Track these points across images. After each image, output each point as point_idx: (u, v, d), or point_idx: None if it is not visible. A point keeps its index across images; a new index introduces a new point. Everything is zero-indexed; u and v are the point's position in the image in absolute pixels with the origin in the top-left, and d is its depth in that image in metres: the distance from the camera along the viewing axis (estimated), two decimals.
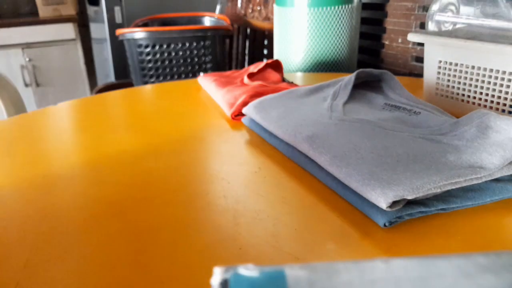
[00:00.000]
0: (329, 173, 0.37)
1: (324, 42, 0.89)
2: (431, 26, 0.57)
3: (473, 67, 0.52)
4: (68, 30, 2.38)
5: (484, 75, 0.51)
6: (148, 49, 1.35)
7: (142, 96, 0.70)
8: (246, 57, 1.71)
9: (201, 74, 1.38)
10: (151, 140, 0.50)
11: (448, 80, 0.55)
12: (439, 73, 0.56)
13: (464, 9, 0.52)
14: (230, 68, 1.78)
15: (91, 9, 2.29)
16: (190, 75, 1.41)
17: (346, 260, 0.28)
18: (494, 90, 0.50)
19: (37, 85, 2.41)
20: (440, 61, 0.56)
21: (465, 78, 0.53)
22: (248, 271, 0.11)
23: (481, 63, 0.51)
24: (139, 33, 1.33)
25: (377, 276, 0.11)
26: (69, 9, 2.43)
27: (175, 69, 1.39)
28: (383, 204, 0.30)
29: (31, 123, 0.57)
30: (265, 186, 0.38)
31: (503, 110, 0.50)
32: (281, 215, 0.33)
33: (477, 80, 0.52)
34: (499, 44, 0.47)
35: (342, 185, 0.35)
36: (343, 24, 0.89)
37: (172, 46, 1.35)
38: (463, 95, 0.54)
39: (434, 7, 0.55)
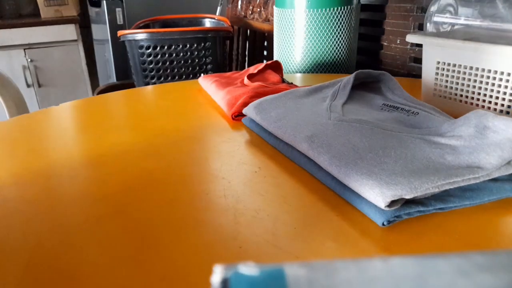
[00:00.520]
0: (328, 172, 0.37)
1: (323, 43, 0.90)
2: (429, 27, 0.57)
3: (471, 68, 0.52)
4: (69, 31, 2.39)
5: (482, 76, 0.51)
6: (150, 50, 1.35)
7: (143, 97, 0.70)
8: (246, 58, 1.71)
9: (202, 75, 1.39)
10: (152, 140, 0.50)
11: (446, 81, 0.56)
12: (437, 74, 0.57)
13: (462, 10, 0.52)
14: (230, 69, 1.78)
15: (92, 10, 2.29)
16: (191, 76, 1.41)
17: (345, 258, 0.28)
18: (492, 90, 0.51)
19: (39, 85, 2.41)
20: (438, 62, 0.56)
21: (463, 78, 0.53)
22: (248, 269, 0.11)
23: (479, 64, 0.51)
24: (140, 35, 1.33)
25: (376, 274, 0.11)
26: (71, 10, 2.44)
27: (176, 70, 1.39)
28: (381, 203, 0.31)
29: (33, 124, 0.57)
30: (265, 185, 0.38)
31: (501, 111, 0.50)
32: (281, 214, 0.33)
33: (475, 81, 0.52)
34: (497, 45, 0.48)
35: (341, 184, 0.36)
36: (342, 26, 0.89)
37: (173, 47, 1.35)
38: (461, 95, 0.54)
39: (433, 9, 0.55)
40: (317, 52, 0.91)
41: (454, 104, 0.56)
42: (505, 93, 0.49)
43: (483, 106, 0.52)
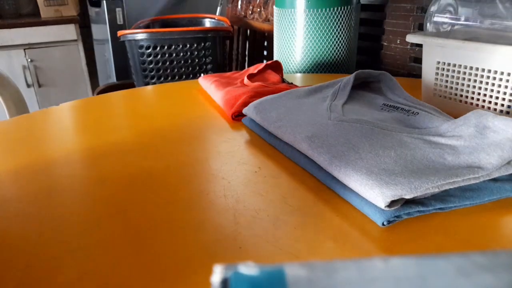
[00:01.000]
0: (328, 172, 0.37)
1: (323, 43, 0.90)
2: (429, 27, 0.57)
3: (471, 68, 0.52)
4: (69, 31, 2.38)
5: (482, 76, 0.51)
6: (149, 50, 1.35)
7: (143, 97, 0.70)
8: (246, 58, 1.71)
9: (202, 75, 1.38)
10: (152, 140, 0.50)
11: (446, 81, 0.56)
12: (437, 74, 0.57)
13: (462, 10, 0.52)
14: (230, 69, 1.78)
15: (92, 10, 2.29)
16: (191, 76, 1.41)
17: (345, 258, 0.28)
18: (492, 90, 0.51)
19: (39, 85, 2.41)
20: (438, 62, 0.56)
21: (463, 78, 0.53)
22: (248, 269, 0.11)
23: (479, 64, 0.51)
24: (140, 35, 1.34)
25: (376, 275, 0.11)
26: (71, 10, 2.44)
27: (176, 70, 1.39)
28: (381, 203, 0.31)
29: (33, 124, 0.57)
30: (265, 185, 0.38)
31: (501, 111, 0.50)
32: (281, 214, 0.33)
33: (475, 81, 0.52)
34: (497, 45, 0.48)
35: (341, 184, 0.36)
36: (342, 25, 0.89)
37: (173, 47, 1.35)
38: (461, 95, 0.54)
39: (433, 8, 0.55)
40: (317, 52, 0.91)
41: (454, 104, 0.56)
42: (505, 93, 0.49)
43: (483, 106, 0.52)
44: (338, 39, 0.90)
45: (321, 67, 0.93)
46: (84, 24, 2.51)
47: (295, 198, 0.36)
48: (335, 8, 0.87)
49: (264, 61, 1.58)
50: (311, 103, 0.51)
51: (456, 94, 0.55)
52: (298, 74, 0.88)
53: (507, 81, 0.49)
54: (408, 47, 1.01)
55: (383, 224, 0.31)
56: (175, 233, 0.31)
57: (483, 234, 0.31)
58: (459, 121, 0.40)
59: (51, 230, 0.32)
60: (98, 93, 1.71)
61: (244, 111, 0.53)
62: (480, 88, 0.52)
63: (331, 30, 0.89)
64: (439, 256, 0.12)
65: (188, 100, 0.67)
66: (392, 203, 0.31)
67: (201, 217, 0.33)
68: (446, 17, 0.54)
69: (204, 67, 1.41)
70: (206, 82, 0.70)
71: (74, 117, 0.61)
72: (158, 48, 1.35)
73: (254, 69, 0.73)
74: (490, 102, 0.51)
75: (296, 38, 0.92)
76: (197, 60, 1.39)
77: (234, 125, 0.55)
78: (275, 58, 1.02)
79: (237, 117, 0.56)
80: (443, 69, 0.56)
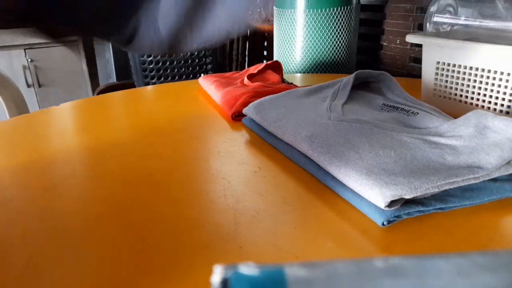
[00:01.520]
0: (328, 172, 0.37)
1: (323, 43, 0.90)
2: (429, 28, 0.57)
3: (471, 68, 0.52)
4: None
5: (482, 76, 0.51)
6: None
7: (143, 97, 0.70)
8: (246, 58, 1.71)
9: (202, 75, 1.38)
10: (152, 140, 0.50)
11: (446, 81, 0.56)
12: (437, 74, 0.57)
13: (462, 10, 0.53)
14: (230, 69, 1.78)
15: None
16: (191, 76, 1.41)
17: (345, 258, 0.28)
18: (491, 90, 0.51)
19: (39, 85, 2.41)
20: (438, 62, 0.56)
21: (463, 78, 0.53)
22: (248, 269, 0.11)
23: (479, 64, 0.51)
24: None
25: (376, 275, 0.11)
26: None
27: (176, 70, 1.39)
28: (381, 203, 0.31)
29: (34, 124, 0.57)
30: (265, 185, 0.38)
31: (501, 111, 0.50)
32: (281, 214, 0.33)
33: (474, 81, 0.52)
34: (497, 45, 0.48)
35: (341, 184, 0.36)
36: (342, 26, 0.89)
37: None
38: (461, 95, 0.55)
39: (432, 9, 0.55)
40: (317, 52, 0.91)
41: (454, 104, 0.56)
42: (505, 93, 0.49)
43: (483, 106, 0.52)
44: (338, 39, 0.90)
45: (321, 67, 0.93)
46: None
47: (295, 198, 0.36)
48: (335, 8, 0.87)
49: (264, 61, 1.58)
50: (311, 103, 0.51)
51: (456, 94, 0.55)
52: (298, 74, 0.88)
53: (507, 81, 0.49)
54: (408, 47, 1.01)
55: (383, 224, 0.31)
56: (175, 233, 0.31)
57: (483, 234, 0.31)
58: (459, 121, 0.40)
59: (51, 229, 0.32)
60: (98, 93, 1.71)
61: (244, 111, 0.53)
62: (480, 88, 0.52)
63: (331, 30, 0.89)
64: (439, 256, 0.12)
65: (188, 100, 0.67)
66: (392, 203, 0.31)
67: (201, 217, 0.33)
68: (446, 17, 0.54)
69: (204, 67, 1.41)
70: (206, 82, 0.70)
71: (74, 117, 0.61)
72: None
73: (254, 69, 0.73)
74: (490, 102, 0.51)
75: (296, 38, 0.92)
76: (197, 60, 1.39)
77: (234, 125, 0.55)
78: (275, 58, 1.02)
79: (237, 117, 0.56)
80: (443, 69, 0.56)
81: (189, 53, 1.36)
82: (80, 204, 0.36)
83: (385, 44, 1.07)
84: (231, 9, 0.31)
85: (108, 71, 2.17)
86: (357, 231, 0.31)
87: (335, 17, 0.88)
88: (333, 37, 0.89)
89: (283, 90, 0.62)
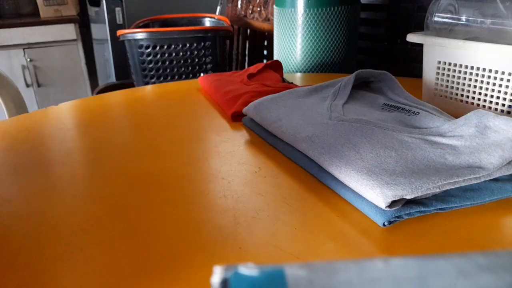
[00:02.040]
0: (329, 172, 0.37)
1: (323, 42, 0.90)
2: (430, 27, 0.57)
3: (471, 68, 0.52)
4: (69, 31, 2.39)
5: (482, 76, 0.51)
6: (149, 50, 1.35)
7: (143, 97, 0.70)
8: (246, 58, 1.71)
9: (202, 74, 1.38)
10: (151, 140, 0.50)
11: (447, 81, 0.56)
12: (438, 73, 0.57)
13: (462, 10, 0.52)
14: (230, 69, 1.78)
15: (92, 10, 2.29)
16: (191, 75, 1.41)
17: (345, 259, 0.28)
18: (492, 90, 0.51)
19: (38, 85, 2.42)
20: (439, 62, 0.56)
21: (464, 78, 0.53)
22: (248, 270, 0.11)
23: (479, 63, 0.51)
24: (140, 34, 1.33)
25: (376, 275, 0.11)
26: (70, 10, 2.44)
27: (175, 70, 1.39)
28: (382, 203, 0.31)
29: (33, 123, 0.57)
30: (265, 185, 0.38)
31: (502, 111, 0.50)
32: (281, 214, 0.33)
33: (475, 81, 0.52)
34: (497, 45, 0.48)
35: (341, 184, 0.36)
36: (343, 25, 0.89)
37: (173, 46, 1.35)
38: (462, 95, 0.54)
39: (433, 8, 0.55)
40: (317, 52, 0.91)
41: (455, 104, 0.55)
42: (505, 93, 0.49)
43: (483, 106, 0.52)
44: (338, 39, 0.90)
45: (321, 67, 0.93)
46: (83, 24, 2.51)
47: (295, 198, 0.36)
48: (335, 8, 0.87)
49: (264, 61, 1.58)
50: (311, 103, 0.50)
51: (456, 94, 0.55)
52: (298, 74, 0.88)
53: (508, 81, 0.48)
54: (409, 47, 1.01)
55: (383, 225, 0.31)
56: (175, 233, 0.31)
57: (484, 234, 0.31)
58: (459, 121, 0.39)
59: (51, 230, 0.32)
60: (98, 93, 1.70)
61: (244, 111, 0.53)
62: (480, 88, 0.52)
63: (332, 30, 0.88)
64: (440, 256, 0.12)
65: (188, 100, 0.67)
66: (393, 203, 0.31)
67: (201, 217, 0.33)
68: (447, 17, 0.54)
69: (204, 67, 1.41)
70: (206, 82, 0.70)
71: (73, 117, 0.61)
72: (158, 48, 1.35)
73: (254, 69, 0.73)
74: (490, 102, 0.51)
75: (296, 38, 0.91)
76: (197, 60, 1.39)
77: (234, 125, 0.55)
78: (275, 58, 1.02)
79: (237, 117, 0.56)
80: (444, 69, 0.56)
81: (188, 53, 1.36)
82: (79, 204, 0.36)
83: (385, 43, 1.07)
84: None
85: (107, 71, 2.17)
86: (357, 232, 0.31)
87: (335, 16, 0.88)
88: (333, 36, 0.89)
89: (283, 89, 0.62)
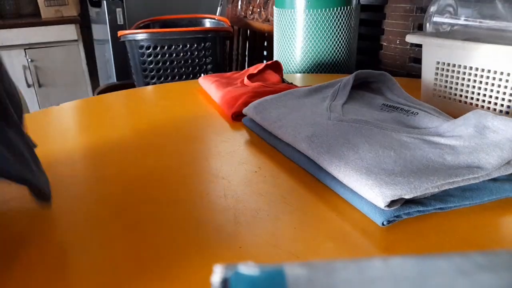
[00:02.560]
0: (328, 172, 0.37)
1: (323, 43, 0.90)
2: (429, 28, 0.57)
3: (470, 68, 0.52)
4: (70, 31, 2.39)
5: (481, 76, 0.51)
6: (150, 50, 1.35)
7: (143, 97, 0.70)
8: (246, 58, 1.71)
9: (202, 75, 1.39)
10: (152, 140, 0.50)
11: (446, 81, 0.56)
12: (436, 74, 0.57)
13: (462, 10, 0.53)
14: (230, 69, 1.78)
15: (92, 11, 2.29)
16: (191, 76, 1.41)
17: (345, 258, 0.28)
18: (491, 90, 0.51)
19: (39, 85, 2.42)
20: (438, 62, 0.56)
21: (463, 79, 0.53)
22: (248, 269, 0.11)
23: (478, 64, 0.51)
24: (140, 35, 1.34)
25: (376, 274, 0.11)
26: (71, 11, 2.44)
27: (176, 70, 1.39)
28: (381, 203, 0.31)
29: (34, 124, 0.57)
30: (265, 185, 0.38)
31: (501, 111, 0.50)
32: (281, 214, 0.33)
33: (474, 81, 0.52)
34: (496, 45, 0.48)
35: (340, 184, 0.36)
36: (342, 26, 0.89)
37: (173, 47, 1.35)
38: (461, 95, 0.55)
39: (432, 9, 0.55)
40: (317, 52, 0.91)
41: (454, 104, 0.56)
42: (504, 93, 0.49)
43: (482, 106, 0.52)
44: (338, 39, 0.90)
45: (321, 67, 0.93)
46: (84, 24, 2.51)
47: (295, 198, 0.36)
48: (335, 8, 0.87)
49: (264, 61, 1.58)
50: (311, 103, 0.51)
51: (455, 94, 0.55)
52: (298, 74, 0.88)
53: (507, 81, 0.49)
54: (408, 47, 1.01)
55: (382, 224, 0.31)
56: (175, 233, 0.31)
57: (483, 234, 0.31)
58: (458, 121, 0.40)
59: (51, 229, 0.32)
60: (99, 93, 1.71)
61: (244, 111, 0.53)
62: (479, 88, 0.52)
63: (331, 30, 0.89)
64: (439, 256, 0.12)
65: (188, 100, 0.67)
66: (391, 203, 0.31)
67: (201, 217, 0.33)
68: (446, 17, 0.54)
69: (204, 67, 1.41)
70: (206, 82, 0.70)
71: (74, 117, 0.61)
72: (158, 48, 1.35)
73: (254, 69, 0.73)
74: (489, 102, 0.51)
75: (296, 38, 0.92)
76: (197, 60, 1.39)
77: (234, 125, 0.55)
78: (275, 58, 1.02)
79: (237, 117, 0.56)
80: (443, 69, 0.56)
81: (188, 53, 1.36)
82: (79, 204, 0.36)
83: (385, 44, 1.07)
84: None
85: (108, 71, 2.17)
86: (357, 231, 0.31)
87: (335, 17, 0.88)
88: (333, 37, 0.89)
89: (283, 90, 0.62)
